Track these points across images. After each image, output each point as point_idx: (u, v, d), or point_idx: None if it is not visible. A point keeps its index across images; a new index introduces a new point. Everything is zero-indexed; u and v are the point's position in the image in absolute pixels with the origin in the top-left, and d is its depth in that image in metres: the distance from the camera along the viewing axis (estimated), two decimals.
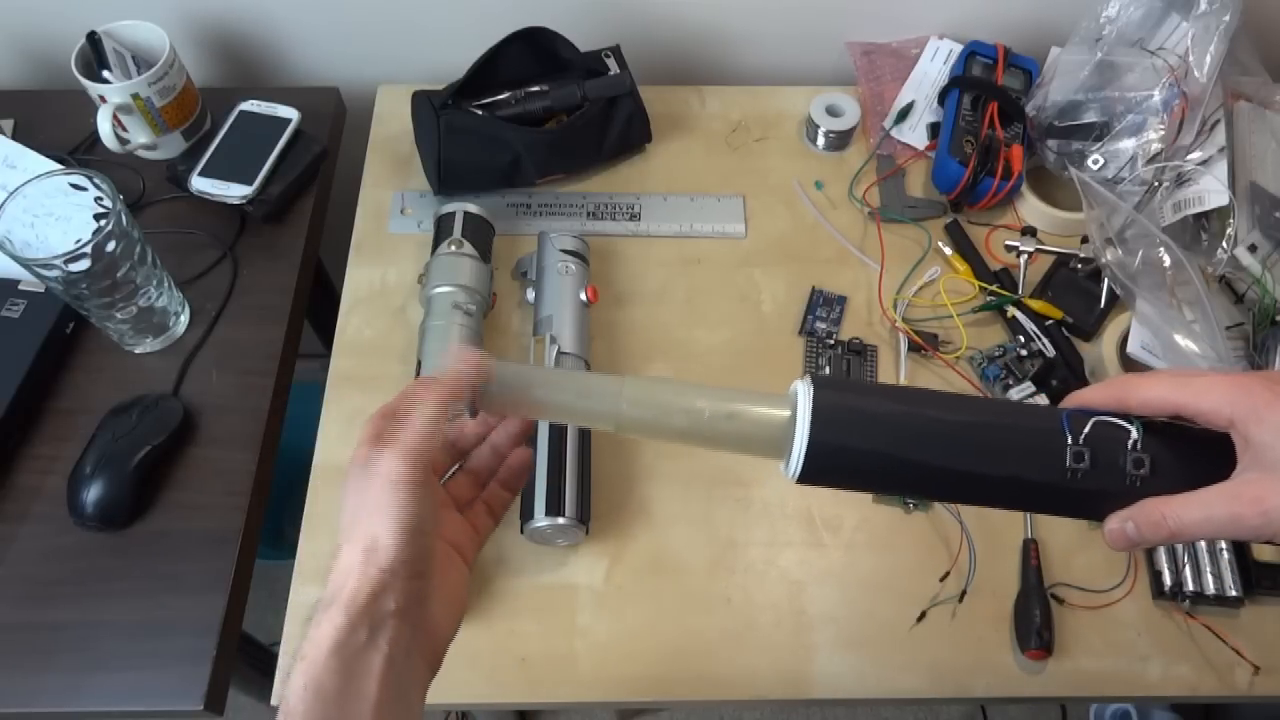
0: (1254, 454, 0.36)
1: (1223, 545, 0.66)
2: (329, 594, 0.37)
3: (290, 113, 0.84)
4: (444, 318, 0.70)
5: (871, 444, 0.39)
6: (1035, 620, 0.62)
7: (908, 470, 0.39)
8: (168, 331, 0.74)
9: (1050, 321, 0.76)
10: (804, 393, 0.39)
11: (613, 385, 0.41)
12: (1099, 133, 0.80)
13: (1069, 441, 0.39)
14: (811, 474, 0.39)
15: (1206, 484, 0.37)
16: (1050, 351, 0.74)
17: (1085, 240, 0.79)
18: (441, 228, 0.76)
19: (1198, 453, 0.39)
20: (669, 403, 0.41)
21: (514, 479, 0.47)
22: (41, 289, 0.73)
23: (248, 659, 0.72)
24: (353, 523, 0.38)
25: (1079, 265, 0.78)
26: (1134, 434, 0.39)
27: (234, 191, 0.80)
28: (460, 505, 0.46)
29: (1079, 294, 0.77)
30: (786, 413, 0.40)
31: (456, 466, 0.47)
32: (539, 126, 0.83)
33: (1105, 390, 0.40)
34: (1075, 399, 0.41)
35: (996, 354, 0.75)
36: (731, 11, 0.92)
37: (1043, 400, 0.71)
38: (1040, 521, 0.68)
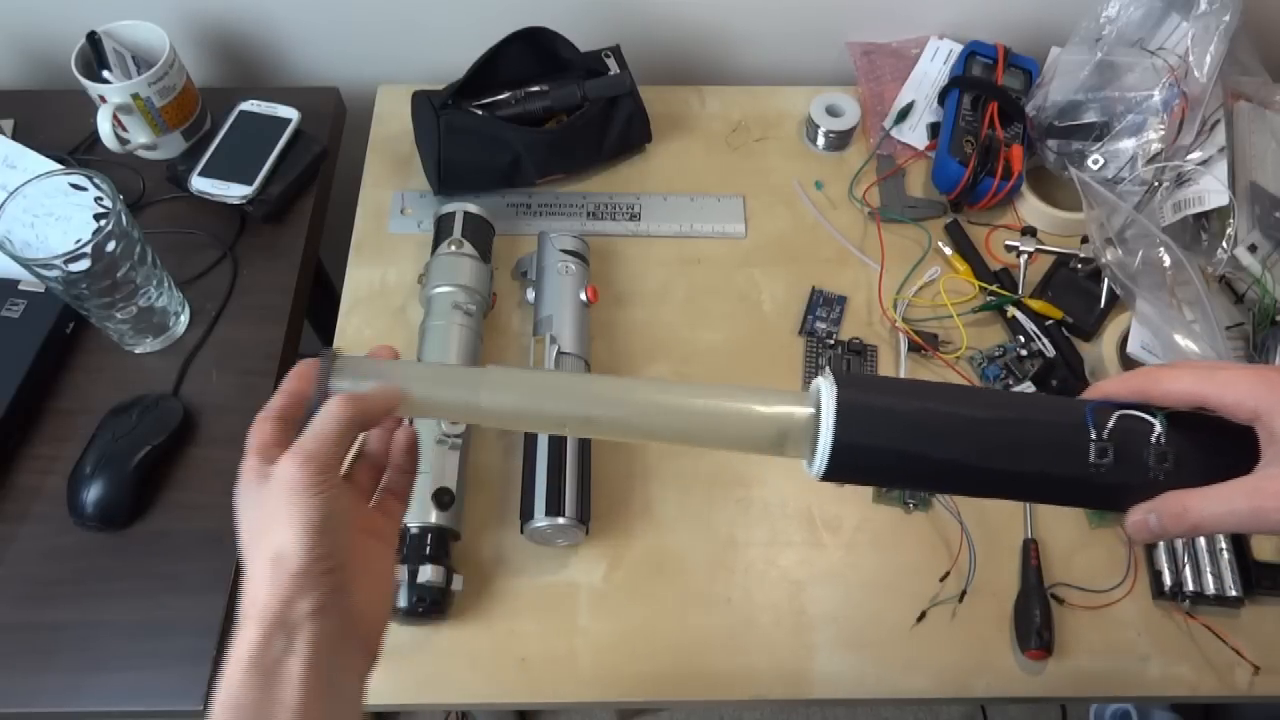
0: (1278, 448, 0.36)
1: (1223, 545, 0.66)
2: (242, 610, 0.37)
3: (290, 113, 0.84)
4: (444, 318, 0.70)
5: (895, 442, 0.39)
6: (1035, 620, 0.62)
7: (931, 467, 0.40)
8: (168, 331, 0.74)
9: (1050, 321, 0.76)
10: (827, 391, 0.39)
11: (621, 390, 0.41)
12: (1099, 133, 0.80)
13: (1093, 436, 0.39)
14: (835, 471, 0.39)
15: (1229, 477, 0.37)
16: (1050, 351, 0.74)
17: (1085, 240, 0.79)
18: (441, 228, 0.76)
19: (1221, 446, 0.39)
20: (682, 405, 0.41)
21: (406, 459, 0.46)
22: (41, 289, 0.73)
23: None
24: (255, 536, 0.38)
25: (1079, 265, 0.78)
26: (1158, 428, 0.39)
27: (234, 191, 0.80)
28: (365, 493, 0.45)
29: (1079, 294, 0.77)
30: (809, 410, 0.40)
31: (352, 457, 0.45)
32: (539, 126, 0.83)
33: (1128, 382, 0.40)
34: (1098, 390, 0.41)
35: (996, 354, 0.75)
36: (731, 11, 0.92)
37: None
38: (1040, 521, 0.68)
